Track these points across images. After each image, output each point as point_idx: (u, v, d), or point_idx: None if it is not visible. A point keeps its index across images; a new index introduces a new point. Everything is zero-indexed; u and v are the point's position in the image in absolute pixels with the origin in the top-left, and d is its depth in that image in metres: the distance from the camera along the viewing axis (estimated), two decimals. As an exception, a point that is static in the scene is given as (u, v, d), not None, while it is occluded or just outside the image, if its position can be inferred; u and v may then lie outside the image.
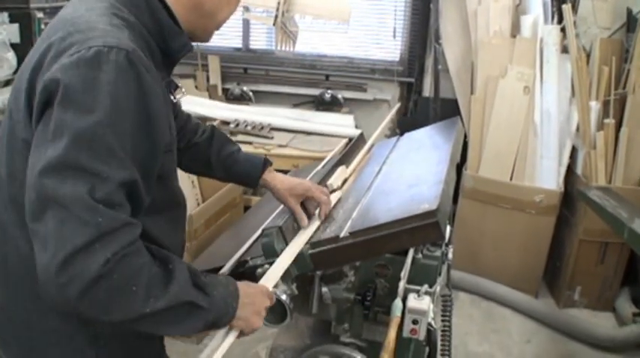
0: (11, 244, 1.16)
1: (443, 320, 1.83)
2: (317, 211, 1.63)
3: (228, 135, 1.96)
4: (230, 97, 4.41)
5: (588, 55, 3.38)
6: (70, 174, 0.96)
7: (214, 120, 3.84)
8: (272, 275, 1.36)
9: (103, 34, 1.03)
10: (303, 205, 1.61)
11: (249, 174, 1.61)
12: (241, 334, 1.22)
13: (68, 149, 0.96)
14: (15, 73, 2.55)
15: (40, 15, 2.68)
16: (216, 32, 1.32)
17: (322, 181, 1.78)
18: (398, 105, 4.24)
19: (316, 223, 1.61)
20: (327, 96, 4.30)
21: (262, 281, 1.33)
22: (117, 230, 0.98)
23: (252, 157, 1.63)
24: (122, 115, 1.01)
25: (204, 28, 1.26)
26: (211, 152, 1.60)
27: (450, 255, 1.63)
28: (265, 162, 1.62)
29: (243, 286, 1.22)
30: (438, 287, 1.46)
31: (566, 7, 3.29)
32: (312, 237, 1.54)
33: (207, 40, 1.30)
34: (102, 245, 0.95)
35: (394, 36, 4.22)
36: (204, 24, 1.25)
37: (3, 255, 1.20)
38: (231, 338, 1.18)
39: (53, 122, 0.98)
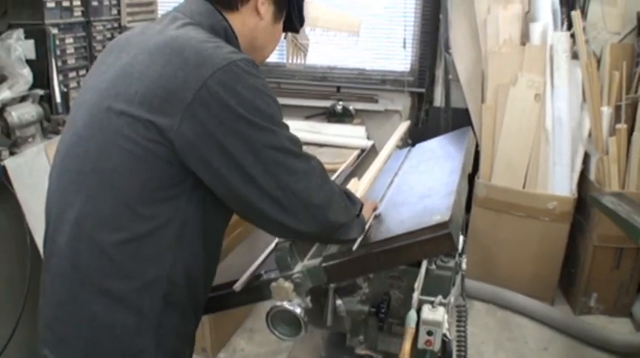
0: (85, 238, 1.20)
1: (458, 331, 1.82)
2: None
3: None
4: (242, 111, 4.42)
5: (599, 61, 3.38)
6: (292, 157, 1.25)
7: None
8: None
9: (228, 51, 1.22)
10: None
11: None
12: None
13: (283, 142, 1.23)
14: (31, 88, 2.58)
15: (54, 31, 2.70)
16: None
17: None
18: (407, 123, 4.25)
19: None
20: (339, 107, 4.31)
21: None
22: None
23: None
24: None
25: None
26: None
27: (464, 265, 1.64)
28: None
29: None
30: (452, 298, 1.46)
31: (576, 14, 3.29)
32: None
33: None
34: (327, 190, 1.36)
35: (404, 46, 4.23)
36: (253, 58, 1.35)
37: (74, 249, 1.22)
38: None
39: (246, 134, 1.18)
